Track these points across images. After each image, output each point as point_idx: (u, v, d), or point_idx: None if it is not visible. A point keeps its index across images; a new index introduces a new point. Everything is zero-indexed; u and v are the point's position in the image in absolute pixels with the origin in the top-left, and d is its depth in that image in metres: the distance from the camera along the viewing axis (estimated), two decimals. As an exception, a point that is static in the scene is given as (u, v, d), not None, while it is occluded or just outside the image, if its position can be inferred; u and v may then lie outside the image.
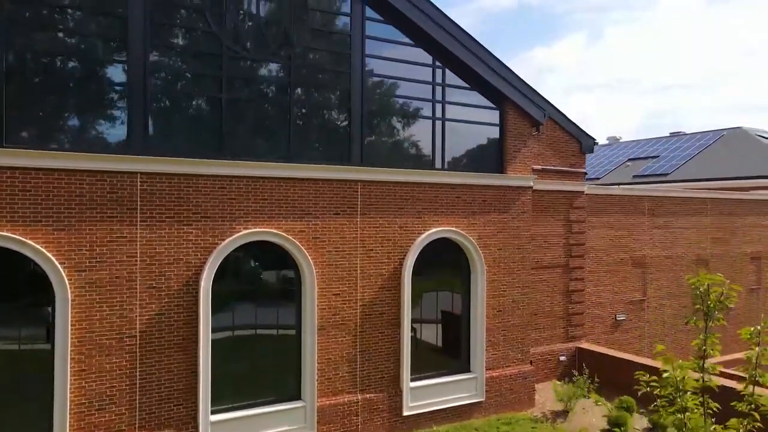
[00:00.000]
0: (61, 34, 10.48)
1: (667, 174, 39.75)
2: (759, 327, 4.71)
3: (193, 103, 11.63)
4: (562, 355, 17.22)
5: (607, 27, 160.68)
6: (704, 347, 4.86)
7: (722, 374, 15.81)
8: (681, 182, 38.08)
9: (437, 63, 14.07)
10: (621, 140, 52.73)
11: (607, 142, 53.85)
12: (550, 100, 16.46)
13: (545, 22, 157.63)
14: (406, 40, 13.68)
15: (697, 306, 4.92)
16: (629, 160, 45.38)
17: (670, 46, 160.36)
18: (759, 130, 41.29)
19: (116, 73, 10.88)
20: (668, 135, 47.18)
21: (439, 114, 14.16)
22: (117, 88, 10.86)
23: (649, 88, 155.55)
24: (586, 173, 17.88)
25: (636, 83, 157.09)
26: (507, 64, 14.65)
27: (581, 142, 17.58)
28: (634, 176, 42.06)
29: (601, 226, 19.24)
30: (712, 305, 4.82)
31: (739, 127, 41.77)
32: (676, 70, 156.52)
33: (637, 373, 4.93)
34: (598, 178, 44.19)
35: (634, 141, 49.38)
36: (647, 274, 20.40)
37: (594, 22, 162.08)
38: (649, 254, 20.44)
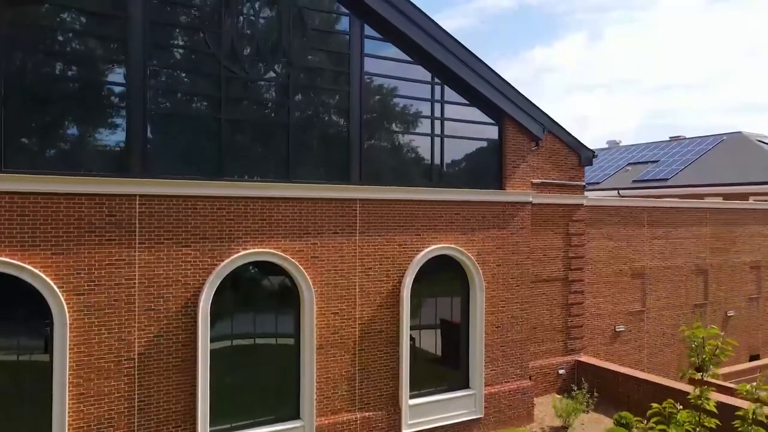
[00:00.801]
0: (59, 58, 10.45)
1: (667, 179, 39.75)
2: (755, 384, 4.68)
3: (192, 123, 11.60)
4: (561, 368, 17.23)
5: (607, 27, 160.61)
6: (700, 401, 4.83)
7: (720, 388, 15.88)
8: (680, 187, 38.13)
9: (436, 80, 14.06)
10: (621, 144, 52.72)
11: (606, 145, 53.84)
12: (548, 114, 16.48)
13: (545, 22, 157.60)
14: (405, 57, 13.66)
15: (692, 358, 4.91)
16: (629, 164, 45.37)
17: (670, 46, 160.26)
18: (759, 135, 41.26)
19: (115, 95, 10.87)
20: (668, 139, 47.17)
21: (438, 130, 14.15)
22: (116, 110, 10.84)
23: (649, 88, 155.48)
24: (585, 186, 17.88)
25: (636, 83, 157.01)
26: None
27: (580, 154, 17.61)
28: (634, 181, 42.06)
29: (601, 238, 19.24)
30: (707, 358, 4.80)
31: (738, 132, 41.74)
32: (676, 70, 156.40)
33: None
34: (597, 183, 44.22)
35: (633, 145, 49.37)
36: (646, 284, 20.41)
37: (594, 22, 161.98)
38: (649, 265, 20.45)
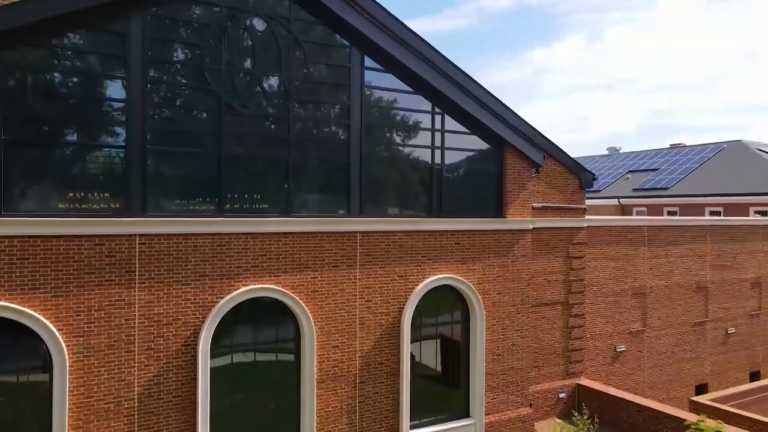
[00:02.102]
0: (59, 103, 10.41)
1: (667, 188, 39.72)
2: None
3: (191, 160, 11.57)
4: (562, 392, 17.21)
5: (607, 27, 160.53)
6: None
7: (719, 413, 15.88)
8: (680, 197, 38.12)
9: (436, 109, 14.03)
10: (621, 150, 52.70)
11: (606, 152, 53.83)
12: (550, 139, 16.49)
13: (545, 22, 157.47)
14: (406, 87, 13.63)
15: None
16: (629, 172, 45.35)
17: (670, 46, 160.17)
18: (759, 144, 41.21)
19: (115, 135, 10.84)
20: (668, 147, 47.12)
21: (438, 160, 14.12)
22: (115, 150, 10.81)
23: (649, 88, 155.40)
24: (585, 209, 17.84)
25: (636, 83, 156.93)
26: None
27: (581, 177, 17.56)
28: (634, 189, 42.04)
29: (601, 258, 19.21)
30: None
31: (738, 140, 41.69)
32: (676, 70, 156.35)
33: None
34: (598, 191, 44.20)
35: (633, 152, 49.35)
36: (647, 303, 20.38)
37: (594, 22, 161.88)
38: (649, 284, 20.43)
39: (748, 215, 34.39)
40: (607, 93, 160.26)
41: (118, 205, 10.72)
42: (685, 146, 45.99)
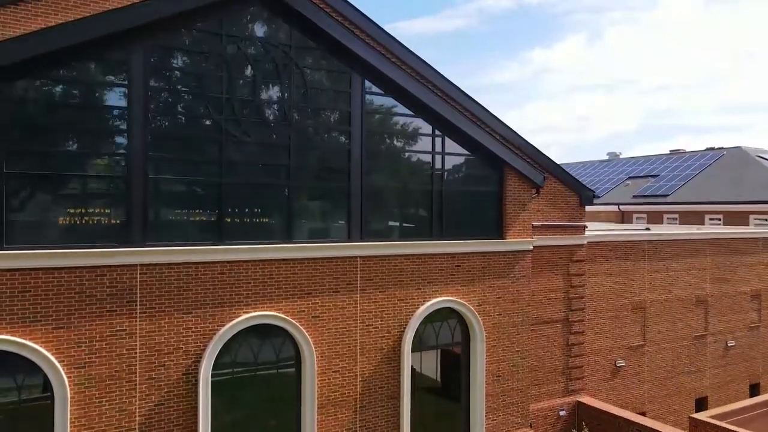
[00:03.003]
0: (59, 134, 10.43)
1: (667, 195, 39.75)
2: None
3: (192, 188, 11.58)
4: (562, 410, 17.22)
5: (607, 27, 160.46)
6: None
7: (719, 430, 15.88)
8: (680, 204, 38.15)
9: (437, 132, 14.05)
10: (621, 155, 52.74)
11: (606, 157, 53.89)
12: (551, 157, 16.51)
13: (545, 22, 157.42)
14: (407, 111, 13.65)
15: None
16: (629, 178, 45.38)
17: (670, 46, 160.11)
18: (758, 150, 41.24)
19: (116, 165, 10.85)
20: (668, 153, 47.18)
21: (438, 182, 14.13)
22: (116, 180, 10.81)
23: (649, 88, 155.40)
24: (586, 226, 17.85)
25: (635, 83, 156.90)
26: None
27: (581, 194, 17.56)
28: (634, 196, 42.07)
29: (601, 273, 19.24)
30: None
31: (738, 147, 41.73)
32: (676, 70, 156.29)
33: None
34: (598, 197, 44.17)
35: (633, 158, 49.38)
36: (647, 318, 20.41)
37: (594, 22, 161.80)
38: (648, 298, 20.45)
39: (747, 223, 34.46)
40: (607, 93, 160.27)
41: (119, 236, 10.72)
42: (684, 152, 46.03)
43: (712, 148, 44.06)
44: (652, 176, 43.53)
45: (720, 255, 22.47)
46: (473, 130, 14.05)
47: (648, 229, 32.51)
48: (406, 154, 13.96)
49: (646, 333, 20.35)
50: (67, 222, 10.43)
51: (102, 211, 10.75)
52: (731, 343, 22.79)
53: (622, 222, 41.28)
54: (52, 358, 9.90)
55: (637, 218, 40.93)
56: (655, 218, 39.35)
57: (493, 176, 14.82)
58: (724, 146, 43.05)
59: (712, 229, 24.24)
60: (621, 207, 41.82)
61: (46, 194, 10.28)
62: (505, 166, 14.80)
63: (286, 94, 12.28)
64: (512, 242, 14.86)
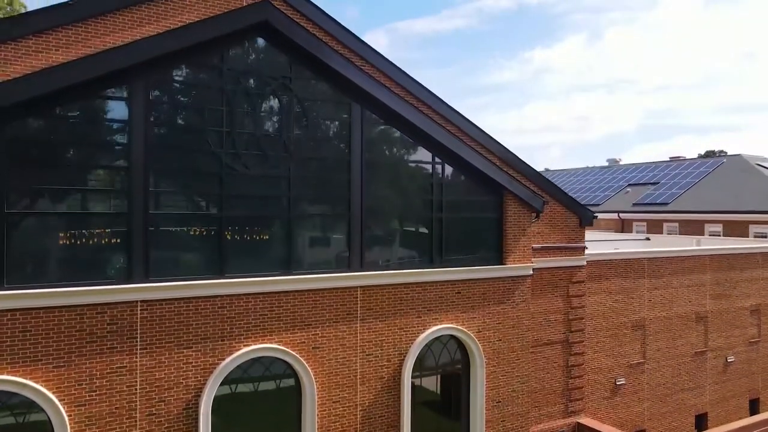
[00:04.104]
0: (58, 172, 10.44)
1: (667, 203, 39.77)
2: None
3: (193, 223, 11.60)
4: (562, 431, 17.24)
5: (607, 28, 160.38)
6: None
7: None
8: (680, 213, 38.16)
9: (437, 159, 14.06)
10: (620, 162, 52.75)
11: (606, 163, 53.91)
12: (550, 180, 16.52)
13: (545, 22, 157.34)
14: (407, 139, 13.67)
15: None
16: (629, 185, 45.40)
17: (670, 47, 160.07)
18: (758, 158, 41.28)
19: (117, 202, 10.84)
20: (668, 160, 47.21)
21: (438, 209, 14.14)
22: (117, 217, 10.82)
23: (648, 88, 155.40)
24: (586, 247, 17.86)
25: (635, 83, 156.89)
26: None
27: (581, 216, 17.57)
28: (634, 204, 42.09)
29: (600, 292, 19.24)
30: None
31: (738, 155, 41.78)
32: (676, 70, 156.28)
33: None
34: (597, 205, 44.25)
35: (633, 164, 49.39)
36: (647, 335, 20.42)
37: (593, 22, 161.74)
38: (648, 316, 20.46)
39: (747, 232, 34.50)
40: (607, 93, 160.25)
41: (120, 272, 10.74)
42: (684, 159, 46.08)
43: (712, 152, 44.17)
44: (652, 183, 43.55)
45: (720, 271, 22.48)
46: (473, 158, 14.07)
47: (648, 239, 32.67)
48: (406, 181, 13.95)
49: (646, 350, 20.36)
50: (68, 259, 10.45)
51: (103, 247, 10.76)
52: (731, 358, 22.81)
53: (622, 230, 41.33)
54: (53, 398, 9.92)
55: (636, 226, 40.96)
56: (655, 226, 39.38)
57: (493, 202, 14.83)
58: (724, 149, 43.25)
59: (712, 245, 24.23)
60: (621, 215, 41.85)
61: (47, 233, 10.29)
62: (505, 191, 14.82)
63: (286, 126, 12.29)
64: (512, 267, 14.88)
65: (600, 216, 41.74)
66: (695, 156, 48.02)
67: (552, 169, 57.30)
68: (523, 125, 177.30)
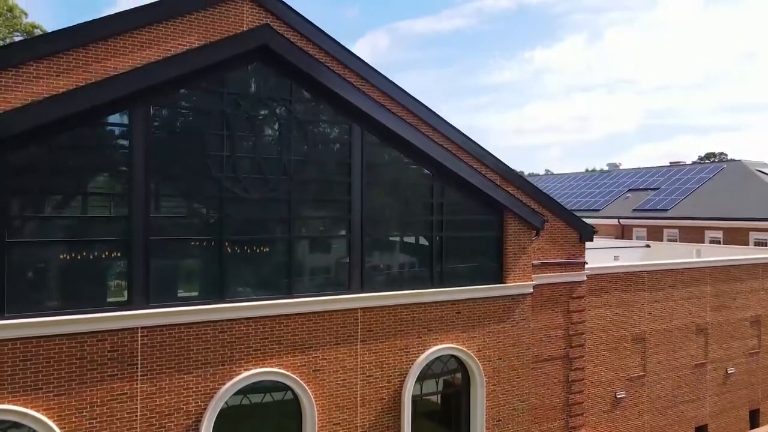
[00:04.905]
0: (59, 200, 10.45)
1: (667, 210, 39.78)
2: None
3: (193, 247, 11.60)
4: (562, 447, 17.25)
5: (607, 28, 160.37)
6: None
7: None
8: (681, 219, 38.16)
9: (437, 179, 14.06)
10: (621, 166, 52.77)
11: (606, 167, 53.94)
12: (550, 196, 16.51)
13: (545, 22, 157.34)
14: (407, 159, 13.67)
15: None
16: (629, 190, 45.40)
17: (670, 47, 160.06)
18: (758, 164, 41.30)
19: (117, 229, 10.83)
20: (668, 165, 47.20)
21: (438, 229, 14.15)
22: (117, 243, 10.82)
23: (648, 88, 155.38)
24: (586, 262, 17.86)
25: (635, 83, 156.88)
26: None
27: (581, 231, 17.56)
28: (634, 210, 42.10)
29: (601, 306, 19.25)
30: None
31: (738, 161, 41.81)
32: (676, 70, 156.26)
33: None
34: (597, 210, 44.28)
35: (633, 169, 49.41)
36: (647, 348, 20.43)
37: (593, 22, 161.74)
38: (648, 329, 20.47)
39: (747, 239, 34.51)
40: (607, 93, 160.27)
41: (120, 299, 10.75)
42: (684, 164, 46.11)
43: (712, 154, 44.22)
44: (652, 189, 43.56)
45: (720, 282, 22.49)
46: (474, 177, 14.07)
47: (648, 246, 32.67)
48: (407, 201, 13.95)
49: (646, 363, 20.38)
50: (69, 287, 10.44)
51: (104, 273, 10.77)
52: (731, 370, 22.83)
53: (623, 235, 41.33)
54: (54, 426, 9.91)
55: (636, 232, 40.98)
56: (655, 232, 39.39)
57: (494, 220, 14.83)
58: (724, 151, 43.33)
59: (711, 257, 24.22)
60: (621, 221, 41.87)
61: (48, 261, 10.29)
62: (505, 210, 14.82)
63: (286, 148, 12.29)
64: (512, 286, 14.88)
65: (600, 222, 41.82)
66: (695, 158, 48.30)
67: (552, 170, 57.43)
68: (523, 125, 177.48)
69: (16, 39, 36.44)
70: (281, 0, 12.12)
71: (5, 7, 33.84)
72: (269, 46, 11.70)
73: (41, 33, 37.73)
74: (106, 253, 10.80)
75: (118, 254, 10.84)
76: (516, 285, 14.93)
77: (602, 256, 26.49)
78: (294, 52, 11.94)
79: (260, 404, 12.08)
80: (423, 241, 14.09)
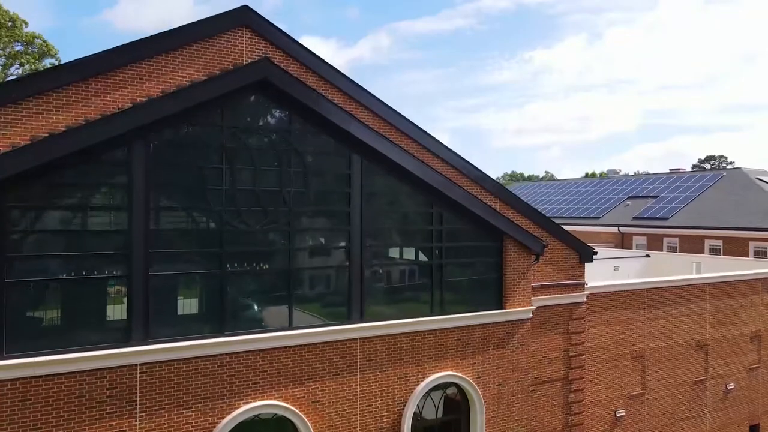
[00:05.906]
0: (59, 238, 10.43)
1: (667, 218, 39.77)
2: None
3: (192, 282, 11.59)
4: (562, 468, 17.26)
5: (607, 28, 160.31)
6: None
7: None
8: (680, 228, 38.15)
9: (436, 206, 14.04)
10: (620, 173, 52.73)
11: (606, 171, 53.90)
12: (550, 219, 16.50)
13: (545, 23, 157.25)
14: (406, 188, 13.65)
15: None
16: (629, 198, 45.38)
17: (670, 47, 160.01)
18: (758, 172, 41.29)
19: (117, 265, 10.80)
20: (668, 172, 47.17)
21: (438, 256, 14.13)
22: (117, 280, 10.81)
23: (648, 88, 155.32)
24: (585, 284, 17.85)
25: (635, 83, 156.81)
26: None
27: (580, 252, 17.54)
28: (634, 218, 42.08)
29: (601, 324, 19.22)
30: None
31: (738, 169, 41.80)
32: (676, 70, 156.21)
33: None
34: (597, 218, 44.24)
35: (633, 176, 49.43)
36: (646, 366, 20.41)
37: (593, 23, 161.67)
38: (648, 346, 20.45)
39: (747, 248, 34.51)
40: (607, 93, 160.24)
41: (119, 335, 10.73)
42: (684, 172, 46.11)
43: (712, 157, 44.19)
44: (652, 197, 43.55)
45: (719, 298, 22.46)
46: (474, 204, 14.06)
47: (648, 255, 32.63)
48: (406, 229, 13.94)
49: (645, 381, 20.36)
50: (67, 325, 10.42)
51: (102, 310, 10.75)
52: (731, 385, 22.82)
53: (622, 243, 41.31)
54: (53, 467, 9.91)
55: (636, 240, 40.96)
56: (654, 241, 39.38)
57: (493, 247, 14.82)
58: (724, 154, 43.30)
59: (711, 270, 24.22)
60: (621, 228, 41.84)
61: (47, 300, 10.29)
62: (505, 236, 14.80)
63: (285, 180, 12.27)
64: (512, 311, 14.87)
65: (599, 230, 41.84)
66: (695, 160, 48.36)
67: (551, 170, 57.42)
68: (523, 125, 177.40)
69: (17, 48, 36.52)
70: (278, 29, 12.11)
71: (7, 18, 33.91)
72: (269, 80, 11.67)
73: (41, 42, 37.78)
74: (106, 289, 10.77)
75: (118, 289, 10.81)
76: (516, 311, 14.92)
77: (602, 266, 26.45)
78: (293, 84, 11.91)
79: (260, 436, 12.09)
80: (423, 268, 14.07)
